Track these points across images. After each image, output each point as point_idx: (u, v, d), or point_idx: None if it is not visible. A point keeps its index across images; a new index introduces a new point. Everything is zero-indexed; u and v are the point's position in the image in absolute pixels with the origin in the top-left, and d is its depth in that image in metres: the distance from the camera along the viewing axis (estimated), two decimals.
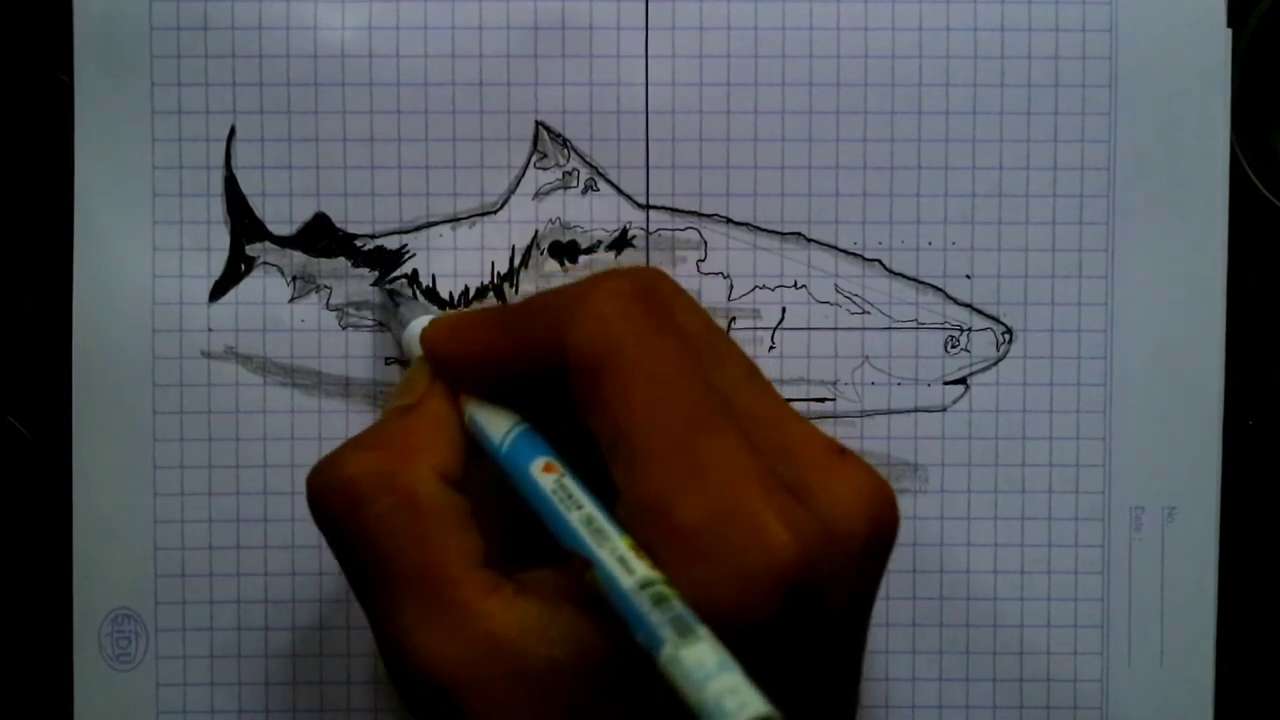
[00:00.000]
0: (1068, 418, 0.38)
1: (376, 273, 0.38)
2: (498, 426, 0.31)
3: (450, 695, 0.28)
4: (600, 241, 0.38)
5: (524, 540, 0.30)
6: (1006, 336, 0.38)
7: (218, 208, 0.38)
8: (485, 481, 0.31)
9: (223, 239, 0.38)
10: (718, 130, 0.38)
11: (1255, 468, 0.39)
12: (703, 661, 0.25)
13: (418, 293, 0.38)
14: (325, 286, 0.38)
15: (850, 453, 0.30)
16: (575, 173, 0.38)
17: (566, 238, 0.38)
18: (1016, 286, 0.38)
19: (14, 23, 0.38)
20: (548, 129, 0.38)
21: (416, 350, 0.33)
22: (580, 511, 0.28)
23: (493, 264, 0.38)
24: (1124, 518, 0.39)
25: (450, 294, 0.38)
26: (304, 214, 0.38)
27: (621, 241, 0.38)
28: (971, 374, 0.38)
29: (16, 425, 0.38)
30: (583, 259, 0.38)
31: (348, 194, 0.38)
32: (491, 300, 0.38)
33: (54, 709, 0.38)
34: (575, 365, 0.28)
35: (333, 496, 0.29)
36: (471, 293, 0.38)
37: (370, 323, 0.38)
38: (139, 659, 0.38)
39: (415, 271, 0.38)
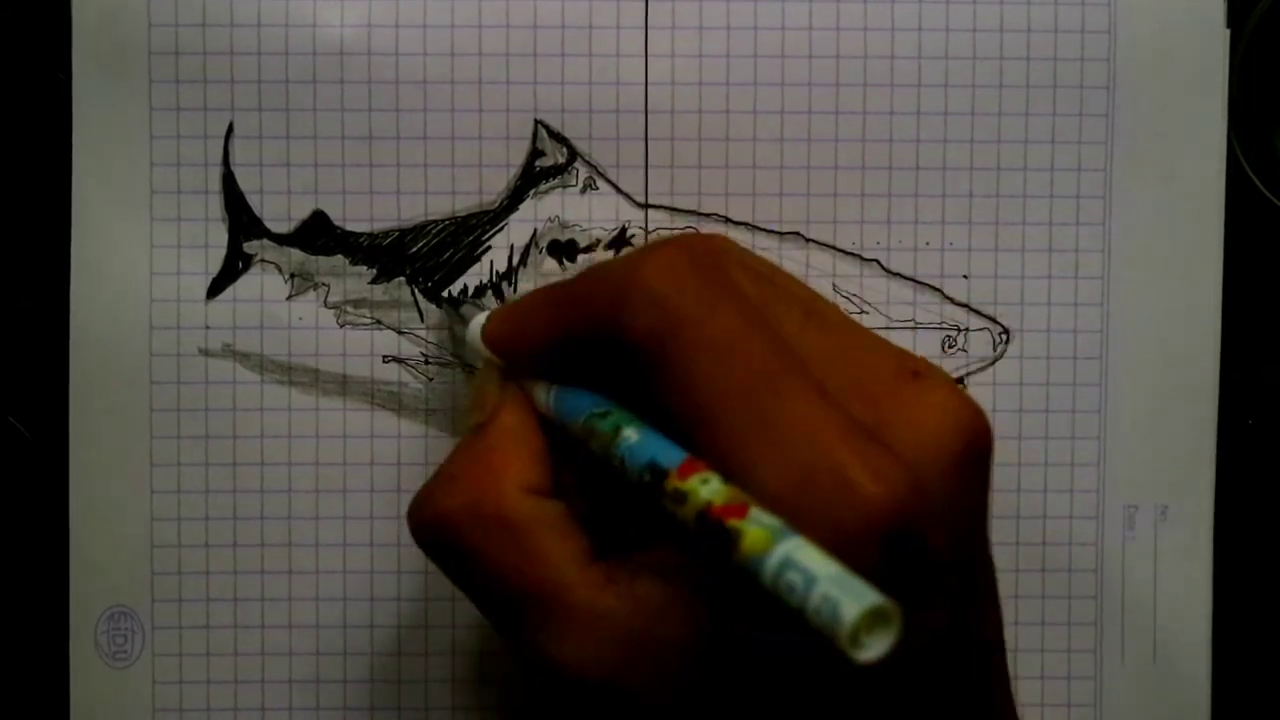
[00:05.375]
0: (1063, 417, 0.39)
1: (375, 270, 0.38)
2: (539, 400, 0.31)
3: (596, 697, 0.28)
4: (599, 240, 0.38)
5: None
6: (1003, 336, 0.38)
7: (215, 205, 0.38)
8: (587, 468, 0.31)
9: (220, 236, 0.38)
10: (716, 130, 0.38)
11: (1255, 467, 0.39)
12: (807, 565, 0.24)
13: (470, 292, 0.37)
14: (323, 284, 0.38)
15: (925, 373, 0.28)
16: (574, 171, 0.38)
17: (565, 236, 0.38)
18: (1013, 287, 0.38)
19: (12, 20, 0.38)
20: (547, 128, 0.38)
21: (484, 353, 0.33)
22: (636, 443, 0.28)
23: (491, 263, 0.38)
24: (1118, 516, 0.39)
25: (449, 292, 0.38)
26: (302, 212, 0.38)
27: (620, 240, 0.38)
28: (969, 374, 0.38)
29: (15, 424, 0.38)
30: (581, 258, 0.38)
31: (346, 192, 0.38)
32: (490, 299, 0.38)
33: (50, 706, 0.38)
34: (635, 347, 0.28)
35: (432, 535, 0.30)
36: (470, 291, 0.38)
37: (368, 321, 0.38)
38: (135, 656, 0.38)
39: (412, 272, 0.38)
